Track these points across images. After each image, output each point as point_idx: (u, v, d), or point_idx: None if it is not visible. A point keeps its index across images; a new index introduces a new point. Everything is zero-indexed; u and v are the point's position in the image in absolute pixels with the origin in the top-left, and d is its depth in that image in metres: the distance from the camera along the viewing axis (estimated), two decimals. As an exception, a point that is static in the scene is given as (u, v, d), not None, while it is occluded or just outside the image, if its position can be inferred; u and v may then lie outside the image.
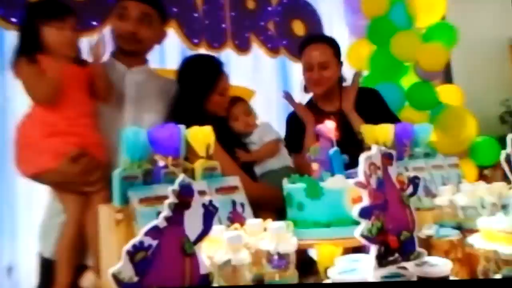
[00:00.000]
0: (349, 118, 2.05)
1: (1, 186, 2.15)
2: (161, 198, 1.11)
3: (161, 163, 1.25)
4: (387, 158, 0.92)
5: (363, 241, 0.86)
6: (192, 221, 0.81)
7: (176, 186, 0.80)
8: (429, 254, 1.37)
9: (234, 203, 1.24)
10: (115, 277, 0.71)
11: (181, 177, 0.81)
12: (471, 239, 1.26)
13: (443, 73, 3.21)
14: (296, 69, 2.59)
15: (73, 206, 1.47)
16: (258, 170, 1.93)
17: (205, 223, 0.82)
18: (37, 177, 1.51)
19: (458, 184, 1.65)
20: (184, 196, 0.80)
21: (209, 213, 0.83)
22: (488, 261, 1.17)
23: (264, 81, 2.84)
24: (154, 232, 0.76)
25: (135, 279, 0.73)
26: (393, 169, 0.92)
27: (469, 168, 2.70)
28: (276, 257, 0.99)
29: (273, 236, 1.01)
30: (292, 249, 1.01)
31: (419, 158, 1.77)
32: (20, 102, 2.10)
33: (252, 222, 1.09)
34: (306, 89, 2.20)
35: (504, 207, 1.27)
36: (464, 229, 1.41)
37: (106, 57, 1.70)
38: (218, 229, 1.02)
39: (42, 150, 1.48)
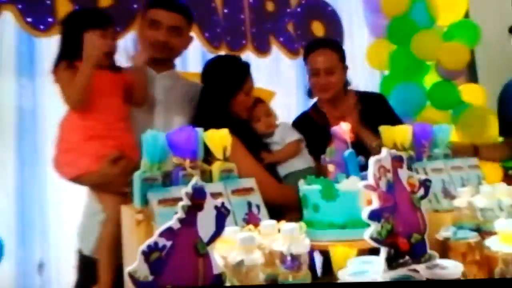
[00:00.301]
0: (360, 137, 1.97)
1: (32, 185, 2.23)
2: (178, 200, 1.14)
3: (179, 165, 1.29)
4: (397, 161, 0.93)
5: (373, 243, 0.87)
6: (205, 223, 0.84)
7: (189, 188, 0.83)
8: (447, 257, 1.38)
9: (250, 204, 1.26)
10: (131, 276, 0.75)
11: (194, 180, 0.84)
12: (489, 241, 1.26)
13: (468, 72, 3.15)
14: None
15: (111, 206, 1.53)
16: (282, 170, 1.94)
17: (217, 224, 0.85)
18: (79, 179, 1.59)
19: (478, 185, 1.64)
20: (197, 198, 0.83)
21: (222, 214, 0.86)
22: (506, 263, 1.16)
23: (284, 82, 2.85)
24: (168, 233, 0.79)
25: (150, 278, 0.76)
26: (404, 172, 0.93)
27: (494, 169, 2.65)
28: (289, 258, 1.01)
29: (286, 238, 1.03)
30: (305, 250, 1.03)
31: (438, 159, 1.76)
32: (50, 107, 2.24)
33: (266, 224, 1.11)
34: (311, 94, 2.22)
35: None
36: (483, 231, 1.40)
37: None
38: (232, 230, 1.05)
39: (83, 154, 1.56)
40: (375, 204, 0.88)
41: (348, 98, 2.17)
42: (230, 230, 1.06)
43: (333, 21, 2.98)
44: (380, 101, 2.20)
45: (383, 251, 0.87)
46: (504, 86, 2.42)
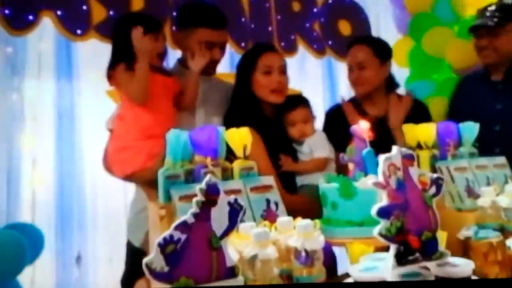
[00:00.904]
0: (394, 135, 2.00)
1: (70, 181, 2.35)
2: (198, 197, 1.21)
3: (201, 163, 1.34)
4: (407, 159, 0.94)
5: (382, 240, 0.89)
6: (219, 218, 0.88)
7: (203, 185, 0.88)
8: (468, 256, 1.37)
9: (268, 201, 1.30)
10: (148, 266, 0.80)
11: (208, 177, 0.89)
12: (510, 241, 1.25)
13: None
14: (342, 69, 2.59)
15: None
16: (300, 179, 1.89)
17: (230, 219, 0.89)
18: (133, 176, 1.70)
19: (504, 184, 1.61)
20: (211, 194, 0.88)
21: (235, 210, 0.90)
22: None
23: (310, 82, 2.87)
24: (183, 226, 0.84)
25: (166, 269, 0.82)
26: (415, 170, 0.95)
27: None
28: (303, 253, 1.04)
29: (301, 234, 1.07)
30: (319, 247, 1.06)
31: (464, 157, 1.73)
32: (86, 107, 2.36)
33: (282, 220, 1.15)
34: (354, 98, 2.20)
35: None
36: (507, 231, 1.38)
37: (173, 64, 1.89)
38: (248, 226, 1.09)
39: (138, 152, 1.66)
40: (385, 201, 0.90)
41: (392, 99, 2.12)
42: (246, 226, 1.10)
43: (360, 19, 2.96)
44: (424, 111, 2.15)
45: (392, 247, 0.89)
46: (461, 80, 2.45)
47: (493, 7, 2.22)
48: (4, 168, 2.13)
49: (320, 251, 1.06)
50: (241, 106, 1.91)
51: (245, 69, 1.93)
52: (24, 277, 1.83)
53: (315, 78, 2.90)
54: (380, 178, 0.91)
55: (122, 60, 1.70)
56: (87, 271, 2.28)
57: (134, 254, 1.81)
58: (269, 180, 1.36)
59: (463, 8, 2.68)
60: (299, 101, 1.96)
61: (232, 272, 0.89)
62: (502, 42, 2.17)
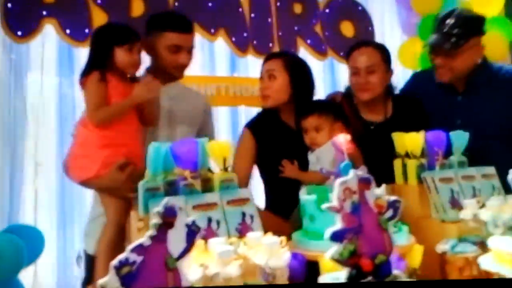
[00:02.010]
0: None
1: (71, 182, 2.43)
2: (175, 210, 1.25)
3: (185, 174, 1.38)
4: (364, 183, 0.95)
5: (335, 264, 0.91)
6: (176, 239, 0.91)
7: (160, 207, 0.91)
8: (444, 271, 1.38)
9: (244, 214, 1.33)
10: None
11: (165, 200, 0.92)
12: (483, 259, 1.24)
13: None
14: (344, 71, 2.58)
15: (114, 209, 1.67)
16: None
17: (188, 241, 0.93)
18: (88, 182, 1.73)
19: (491, 195, 1.60)
20: (168, 217, 0.91)
21: (192, 232, 0.93)
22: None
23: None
24: (139, 249, 0.88)
25: (121, 289, 0.85)
26: (371, 193, 0.96)
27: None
28: (266, 270, 1.07)
29: (266, 251, 1.09)
30: (283, 264, 1.08)
31: (453, 166, 1.72)
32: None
33: (251, 236, 1.17)
34: (349, 95, 2.15)
35: (510, 229, 1.23)
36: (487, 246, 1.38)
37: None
38: (216, 242, 1.13)
39: (95, 160, 1.69)
40: (338, 225, 0.92)
41: (387, 105, 2.11)
42: (215, 241, 1.14)
43: (363, 21, 2.94)
44: (416, 106, 2.12)
45: (344, 271, 0.91)
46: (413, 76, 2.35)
47: (452, 20, 2.01)
48: (7, 170, 2.21)
49: (284, 268, 1.09)
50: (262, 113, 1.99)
51: None
52: (26, 276, 1.91)
53: (317, 80, 2.88)
54: (335, 202, 0.93)
55: (96, 68, 1.72)
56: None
57: (89, 262, 1.84)
58: (247, 193, 1.38)
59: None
60: (313, 108, 1.89)
61: (188, 291, 0.92)
62: (458, 62, 2.00)
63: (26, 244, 1.79)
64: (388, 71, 2.09)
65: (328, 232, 0.92)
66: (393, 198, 0.98)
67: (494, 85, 2.03)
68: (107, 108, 1.70)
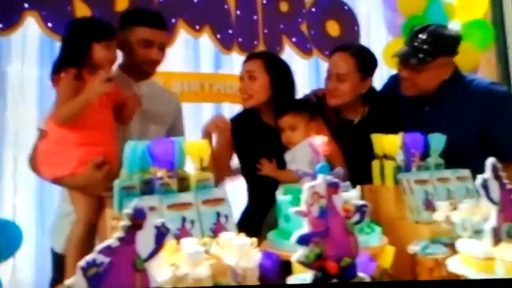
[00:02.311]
0: None
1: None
2: (150, 208, 1.26)
3: (158, 174, 1.39)
4: (332, 188, 0.97)
5: (301, 267, 0.93)
6: (144, 241, 0.92)
7: (129, 210, 0.92)
8: (414, 271, 1.41)
9: (218, 214, 1.34)
10: (69, 288, 0.85)
11: (134, 202, 0.93)
12: (451, 261, 1.27)
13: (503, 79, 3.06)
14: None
15: (84, 208, 1.65)
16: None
17: (156, 242, 0.93)
18: (61, 180, 1.70)
19: (465, 198, 1.63)
20: (137, 219, 0.92)
21: (161, 233, 0.94)
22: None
23: (297, 82, 2.87)
24: (106, 250, 0.89)
25: (88, 290, 0.86)
26: (339, 198, 0.97)
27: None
28: (237, 271, 1.08)
29: (237, 252, 1.11)
30: (253, 265, 1.10)
31: (430, 168, 1.75)
32: None
33: (224, 236, 1.19)
34: (319, 96, 2.14)
35: (476, 232, 1.25)
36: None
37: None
38: (189, 242, 1.14)
39: (71, 158, 1.66)
40: (305, 229, 0.94)
41: (366, 105, 2.09)
42: (187, 241, 1.15)
43: (349, 21, 2.95)
44: (392, 104, 2.11)
45: (309, 274, 0.93)
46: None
47: (424, 36, 1.96)
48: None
49: (254, 268, 1.10)
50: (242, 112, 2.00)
51: None
52: (4, 271, 1.90)
53: (302, 79, 2.89)
54: (303, 206, 0.94)
55: (72, 65, 1.66)
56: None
57: (57, 260, 1.84)
58: (223, 193, 1.39)
59: (454, 12, 2.67)
60: (289, 107, 1.91)
61: (156, 292, 0.93)
62: (423, 78, 1.96)
63: (4, 238, 1.79)
64: (364, 79, 2.04)
65: (295, 236, 0.93)
66: (360, 202, 0.99)
67: (464, 97, 1.98)
68: (65, 107, 1.63)
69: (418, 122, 1.98)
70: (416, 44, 1.97)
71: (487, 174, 1.15)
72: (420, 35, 1.97)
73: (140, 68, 1.92)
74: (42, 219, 2.33)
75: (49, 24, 2.30)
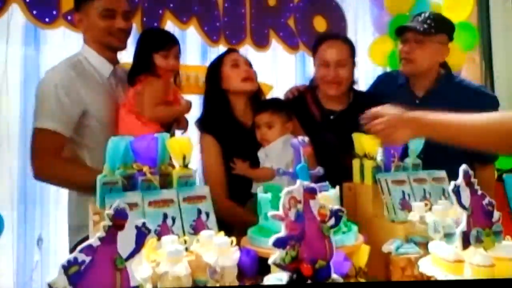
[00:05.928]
0: None
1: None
2: (131, 205, 1.27)
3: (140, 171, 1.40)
4: (309, 193, 1.00)
5: (277, 268, 0.96)
6: (125, 241, 0.95)
7: (111, 210, 0.94)
8: (388, 270, 1.45)
9: (199, 211, 1.36)
10: (50, 286, 0.87)
11: (116, 202, 0.95)
12: (422, 261, 1.32)
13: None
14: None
15: None
16: (255, 187, 1.86)
17: (137, 242, 0.96)
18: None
19: (440, 198, 1.68)
20: (118, 219, 0.94)
21: (142, 233, 0.96)
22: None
23: (282, 77, 2.90)
24: (87, 250, 0.91)
25: (69, 288, 0.89)
26: (315, 203, 1.01)
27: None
28: (215, 269, 1.11)
29: (216, 250, 1.14)
30: (232, 264, 1.13)
31: (407, 169, 1.80)
32: None
33: (204, 234, 1.21)
34: (313, 87, 2.17)
35: (447, 235, 1.30)
36: (430, 247, 1.45)
37: None
38: (168, 240, 1.16)
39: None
40: (282, 233, 0.97)
41: (350, 96, 2.12)
42: (167, 239, 1.17)
43: (336, 16, 2.97)
44: (374, 100, 2.09)
45: (285, 275, 0.96)
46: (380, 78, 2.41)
47: (427, 14, 2.13)
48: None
49: (233, 267, 1.13)
50: (213, 109, 2.00)
51: (213, 71, 2.02)
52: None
53: (288, 73, 2.92)
54: (280, 211, 0.97)
55: (143, 72, 1.91)
56: (48, 253, 2.36)
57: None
58: (204, 190, 1.41)
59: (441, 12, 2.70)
60: (267, 105, 1.95)
61: (135, 290, 0.96)
62: (421, 54, 2.05)
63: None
64: (354, 64, 2.11)
65: (272, 239, 0.97)
66: (336, 207, 1.03)
67: (453, 96, 2.06)
68: (162, 111, 1.93)
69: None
70: (420, 19, 2.10)
71: (459, 180, 1.19)
72: (422, 15, 2.12)
73: (109, 42, 1.89)
74: (23, 207, 2.33)
75: (34, 12, 2.29)
